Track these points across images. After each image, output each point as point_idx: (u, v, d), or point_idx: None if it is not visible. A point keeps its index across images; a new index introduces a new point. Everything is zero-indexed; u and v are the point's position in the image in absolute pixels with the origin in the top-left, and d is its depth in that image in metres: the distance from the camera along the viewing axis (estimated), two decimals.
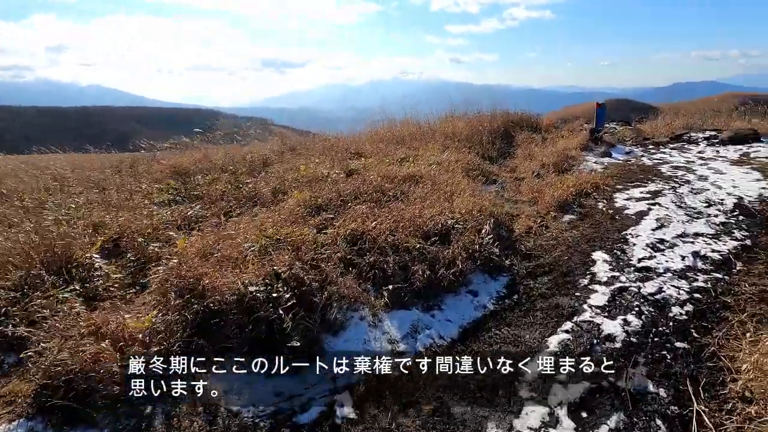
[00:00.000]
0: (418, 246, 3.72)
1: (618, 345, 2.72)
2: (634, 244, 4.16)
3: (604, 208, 5.29)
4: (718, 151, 8.51)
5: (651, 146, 9.48)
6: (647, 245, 4.12)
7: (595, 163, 8.22)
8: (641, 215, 4.93)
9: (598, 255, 4.00)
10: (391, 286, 3.27)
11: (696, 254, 3.89)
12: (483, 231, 4.24)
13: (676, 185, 6.18)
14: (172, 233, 4.43)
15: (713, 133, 9.75)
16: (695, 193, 5.75)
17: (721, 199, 5.46)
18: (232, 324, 2.76)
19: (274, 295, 2.87)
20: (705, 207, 5.17)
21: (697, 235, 4.34)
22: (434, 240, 3.92)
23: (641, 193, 5.78)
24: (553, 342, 2.77)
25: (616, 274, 3.61)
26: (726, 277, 3.48)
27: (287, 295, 2.90)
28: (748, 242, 4.15)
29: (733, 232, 4.38)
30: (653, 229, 4.47)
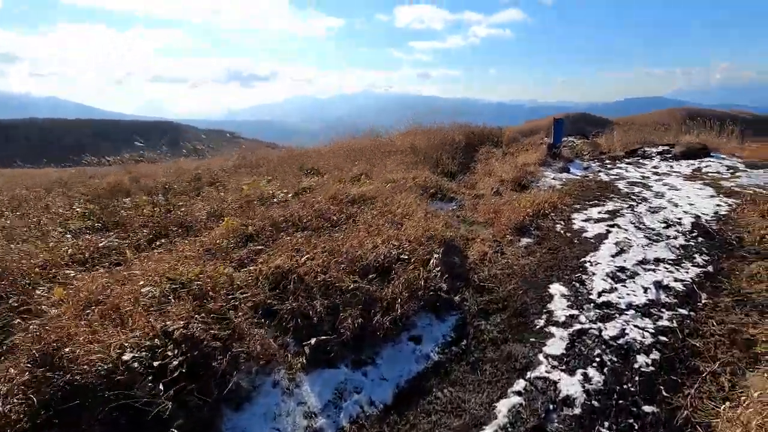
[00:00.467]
0: (352, 286, 3.17)
1: (577, 411, 2.25)
2: (594, 274, 3.78)
3: (562, 231, 4.94)
4: (671, 166, 8.49)
5: (608, 161, 9.40)
6: (607, 275, 3.74)
7: (553, 179, 7.99)
8: (600, 239, 4.60)
9: (556, 288, 3.58)
10: (314, 339, 2.70)
11: (659, 285, 3.54)
12: (431, 262, 3.75)
13: (634, 203, 5.95)
14: (71, 271, 3.72)
15: (666, 147, 9.80)
16: (653, 212, 5.51)
17: (679, 218, 5.24)
18: (96, 407, 2.11)
19: (157, 363, 2.25)
20: (664, 228, 4.91)
21: (658, 260, 4.02)
22: (374, 277, 3.39)
23: (600, 213, 5.49)
24: (503, 409, 2.28)
25: (575, 312, 3.19)
26: (692, 313, 3.12)
27: (176, 362, 2.28)
28: (710, 268, 3.85)
29: (694, 257, 4.08)
30: (613, 255, 4.12)
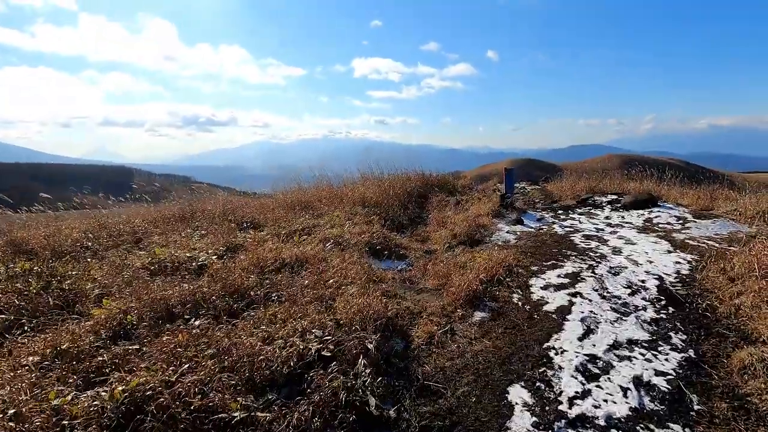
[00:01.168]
0: (240, 416, 2.23)
1: None
2: (561, 368, 3.04)
3: (520, 303, 4.24)
4: (623, 217, 8.26)
5: (560, 211, 9.11)
6: (577, 368, 3.01)
7: (507, 232, 7.48)
8: (563, 313, 3.94)
9: (517, 393, 2.79)
10: None
11: (639, 382, 2.85)
12: (360, 363, 2.88)
13: (594, 263, 5.43)
14: None
15: (615, 197, 9.70)
16: (615, 274, 4.98)
17: (643, 281, 4.72)
18: None
19: None
20: (629, 294, 4.34)
21: (631, 342, 3.37)
22: (275, 397, 2.46)
23: (559, 276, 4.88)
24: None
25: None
26: (686, 430, 2.41)
27: None
28: (691, 353, 3.23)
29: (670, 336, 3.47)
30: (580, 338, 3.44)
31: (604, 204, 9.29)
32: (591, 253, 5.91)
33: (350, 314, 3.65)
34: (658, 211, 8.34)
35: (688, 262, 5.49)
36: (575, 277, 4.81)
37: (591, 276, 4.85)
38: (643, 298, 4.24)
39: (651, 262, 5.49)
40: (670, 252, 5.95)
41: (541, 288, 4.50)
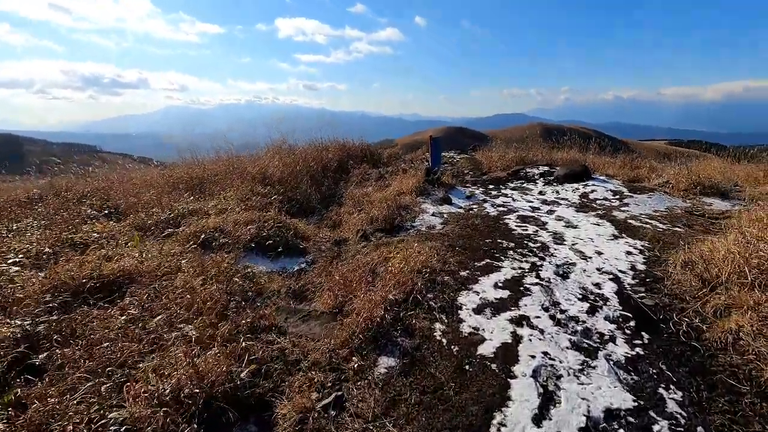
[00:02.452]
0: None
1: None
2: None
3: (444, 339, 2.84)
4: (557, 192, 7.28)
5: (491, 185, 7.95)
6: None
7: (433, 214, 6.11)
8: (507, 362, 2.58)
9: None
10: None
11: None
12: None
13: (536, 259, 4.18)
14: None
15: (547, 168, 8.75)
16: (563, 276, 3.77)
17: (598, 285, 3.56)
18: None
19: None
20: (588, 312, 3.12)
21: (611, 416, 2.11)
22: None
23: (497, 286, 3.54)
24: None
25: None
26: None
27: None
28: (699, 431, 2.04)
29: (662, 397, 2.27)
30: (536, 418, 2.11)
31: (536, 177, 8.29)
32: (530, 243, 4.71)
33: (158, 395, 2.00)
34: (593, 185, 7.47)
35: (641, 251, 4.47)
36: (517, 287, 3.51)
37: (536, 283, 3.57)
38: (607, 318, 3.04)
39: (600, 253, 4.40)
40: (616, 237, 4.94)
41: (474, 310, 3.13)
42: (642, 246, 4.64)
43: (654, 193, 6.98)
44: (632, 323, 2.98)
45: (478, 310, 3.09)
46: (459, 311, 3.09)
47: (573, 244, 4.71)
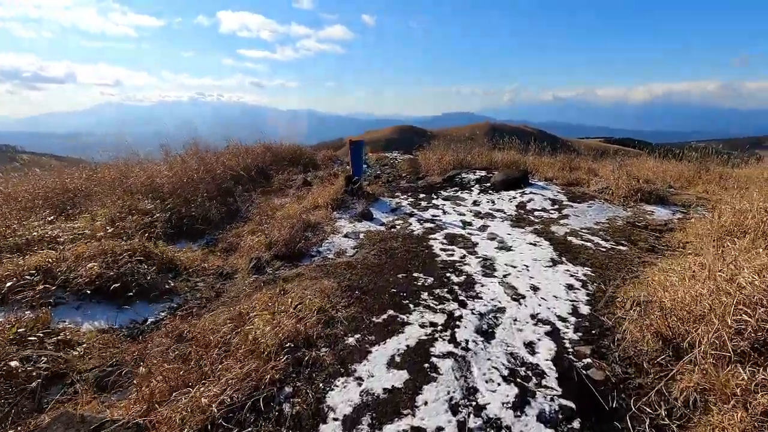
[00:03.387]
0: None
1: None
2: None
3: None
4: (493, 201, 6.40)
5: (423, 194, 6.95)
6: None
7: (347, 235, 4.98)
8: None
9: None
10: None
11: None
12: None
13: (456, 307, 3.15)
14: None
15: (483, 173, 7.91)
16: (487, 336, 2.75)
17: (532, 346, 2.60)
18: None
19: None
20: (516, 412, 2.09)
21: None
22: None
23: (391, 365, 2.39)
24: None
25: None
26: None
27: None
28: None
29: None
30: None
31: (472, 183, 7.40)
32: (453, 277, 3.69)
33: None
34: (531, 192, 6.67)
35: (583, 283, 3.59)
36: (421, 363, 2.40)
37: (449, 353, 2.51)
38: (542, 416, 2.05)
39: (537, 289, 3.46)
40: (555, 263, 4.06)
41: (345, 423, 2.00)
42: (584, 275, 3.78)
43: (594, 202, 6.29)
44: (576, 423, 2.00)
45: (352, 422, 1.96)
46: (322, 424, 1.95)
47: (505, 275, 3.75)
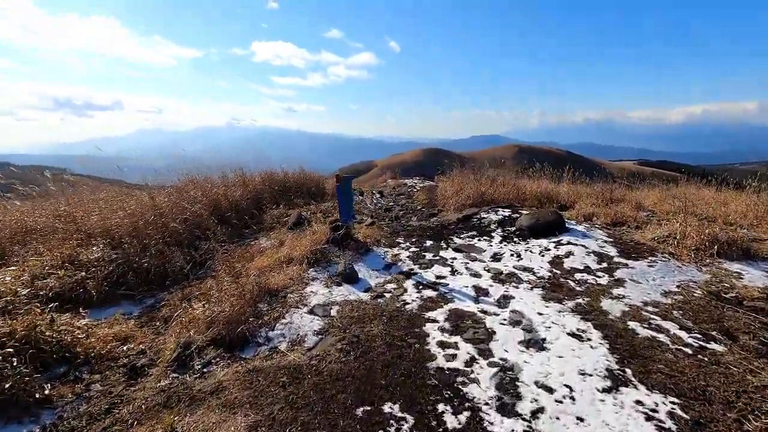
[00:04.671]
0: None
1: None
2: None
3: None
4: (519, 256, 4.86)
5: (430, 239, 5.50)
6: None
7: (313, 311, 3.59)
8: None
9: None
10: None
11: None
12: None
13: None
14: None
15: (508, 212, 6.39)
16: None
17: None
18: None
19: None
20: None
21: None
22: None
23: None
24: None
25: None
26: None
27: None
28: None
29: None
30: None
31: (493, 226, 5.89)
32: (449, 417, 2.21)
33: None
34: (569, 243, 5.08)
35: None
36: None
37: None
38: None
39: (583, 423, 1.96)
40: (616, 383, 2.51)
41: None
42: (670, 415, 2.22)
43: (655, 258, 4.64)
44: None
45: None
46: None
47: (535, 413, 2.25)
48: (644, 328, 3.22)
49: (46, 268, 4.29)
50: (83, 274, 4.34)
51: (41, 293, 3.95)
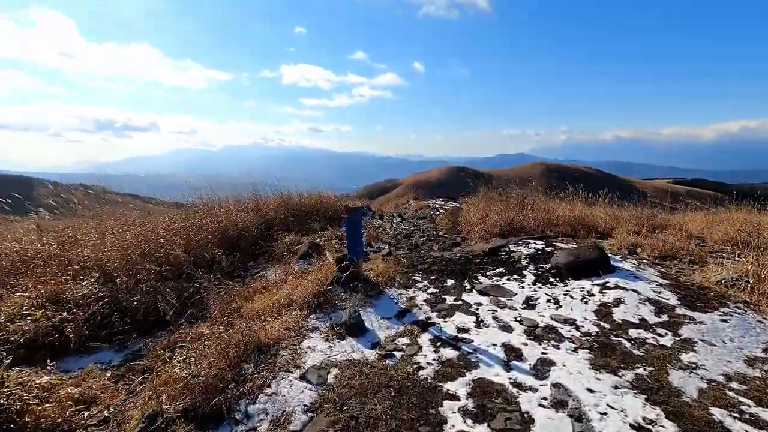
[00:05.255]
0: None
1: None
2: None
3: None
4: (557, 302, 4.07)
5: (452, 278, 4.78)
6: None
7: (304, 376, 2.92)
8: None
9: None
10: None
11: None
12: None
13: None
14: None
15: (541, 245, 5.60)
16: None
17: None
18: None
19: None
20: None
21: None
22: None
23: None
24: None
25: None
26: None
27: None
28: None
29: None
30: None
31: (524, 262, 5.11)
32: None
33: None
34: (616, 285, 4.24)
35: None
36: None
37: None
38: None
39: None
40: None
41: None
42: None
43: (728, 309, 3.75)
44: None
45: None
46: None
47: None
48: (734, 419, 2.40)
49: (25, 307, 3.87)
50: (64, 314, 3.89)
51: (13, 338, 3.50)
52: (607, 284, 4.28)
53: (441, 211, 11.33)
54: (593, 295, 4.10)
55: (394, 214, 10.90)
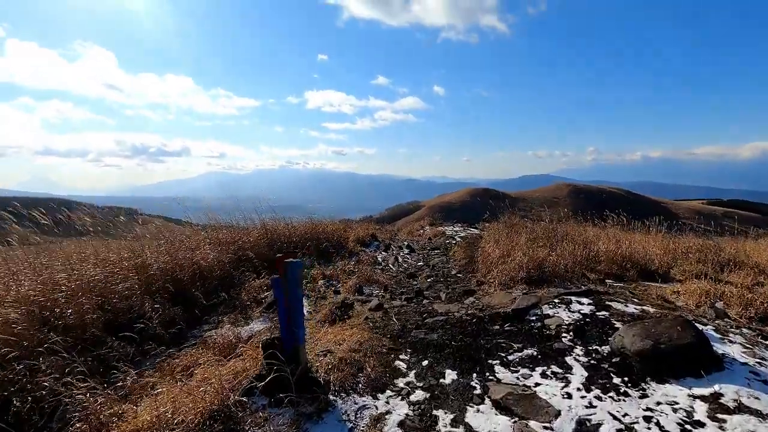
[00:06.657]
0: None
1: None
2: None
3: None
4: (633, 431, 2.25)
5: (453, 371, 3.03)
6: None
7: None
8: None
9: None
10: None
11: None
12: None
13: None
14: None
15: (588, 306, 3.73)
16: None
17: None
18: None
19: None
20: None
21: None
22: None
23: None
24: None
25: None
26: None
27: None
28: None
29: None
30: None
31: (565, 338, 3.27)
32: None
33: None
34: (737, 402, 2.36)
35: None
36: None
37: None
38: None
39: None
40: None
41: None
42: None
43: None
44: None
45: None
46: None
47: None
48: None
49: None
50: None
51: None
52: (721, 399, 2.40)
53: (457, 239, 9.66)
54: (703, 425, 2.22)
55: (403, 244, 9.26)
